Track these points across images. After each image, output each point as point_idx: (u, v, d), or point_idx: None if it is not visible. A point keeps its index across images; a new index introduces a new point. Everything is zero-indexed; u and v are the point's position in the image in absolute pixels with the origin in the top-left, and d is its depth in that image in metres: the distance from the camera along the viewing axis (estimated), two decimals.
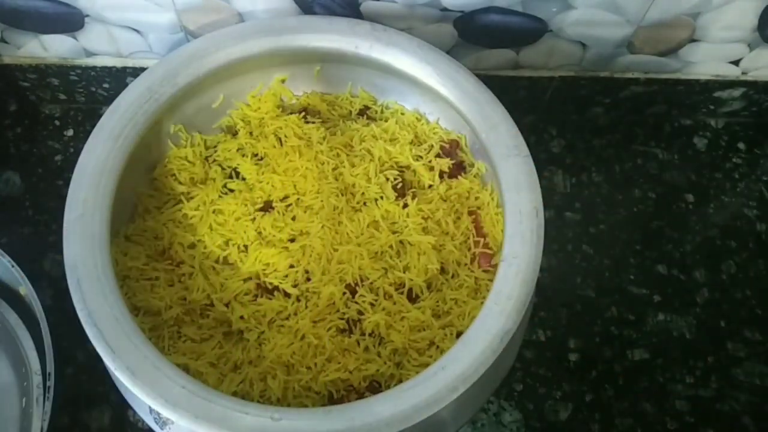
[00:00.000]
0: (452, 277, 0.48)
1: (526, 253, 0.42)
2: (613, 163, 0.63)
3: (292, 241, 0.48)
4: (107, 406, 0.50)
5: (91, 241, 0.41)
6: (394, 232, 0.48)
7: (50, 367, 0.44)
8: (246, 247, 0.48)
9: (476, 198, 0.50)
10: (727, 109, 0.65)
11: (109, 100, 0.47)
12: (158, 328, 0.45)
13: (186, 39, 0.55)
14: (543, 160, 0.62)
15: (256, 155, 0.52)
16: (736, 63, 0.59)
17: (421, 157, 0.52)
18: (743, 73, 0.60)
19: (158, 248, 0.48)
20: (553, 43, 0.56)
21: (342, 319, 0.46)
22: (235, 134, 0.53)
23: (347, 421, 0.37)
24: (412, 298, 0.47)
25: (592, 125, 0.65)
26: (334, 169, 0.50)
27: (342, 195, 0.50)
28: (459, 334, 0.44)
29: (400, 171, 0.52)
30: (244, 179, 0.51)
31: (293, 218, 0.49)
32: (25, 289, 0.47)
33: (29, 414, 0.46)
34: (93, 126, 0.45)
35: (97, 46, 0.56)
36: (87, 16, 0.53)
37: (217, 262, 0.47)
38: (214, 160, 0.52)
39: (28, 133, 0.61)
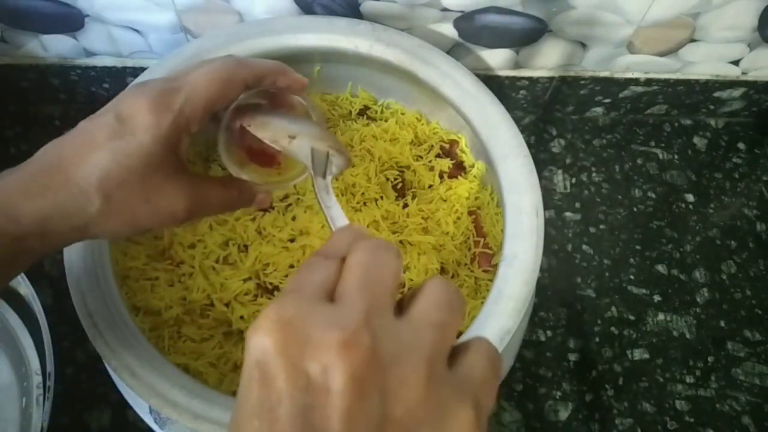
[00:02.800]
0: (452, 277, 0.48)
1: (526, 253, 0.42)
2: (613, 163, 0.63)
3: (292, 240, 0.48)
4: (107, 406, 0.50)
5: (91, 241, 0.41)
6: (394, 232, 0.48)
7: (50, 367, 0.44)
8: (246, 246, 0.48)
9: (476, 198, 0.50)
10: (727, 109, 0.65)
11: (109, 100, 0.47)
12: (158, 328, 0.45)
13: (186, 39, 0.55)
14: (543, 160, 0.62)
15: None
16: (736, 63, 0.59)
17: (421, 157, 0.52)
18: (743, 73, 0.60)
19: (158, 248, 0.48)
20: (553, 43, 0.56)
21: None
22: None
23: None
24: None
25: (592, 125, 0.65)
26: None
27: (342, 195, 0.50)
28: (459, 334, 0.44)
29: (400, 171, 0.52)
30: None
31: (293, 218, 0.49)
32: (25, 289, 0.47)
33: (29, 414, 0.46)
34: None
35: (97, 46, 0.56)
36: (87, 16, 0.53)
37: (217, 261, 0.47)
38: (215, 160, 0.52)
39: (28, 133, 0.61)
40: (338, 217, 0.32)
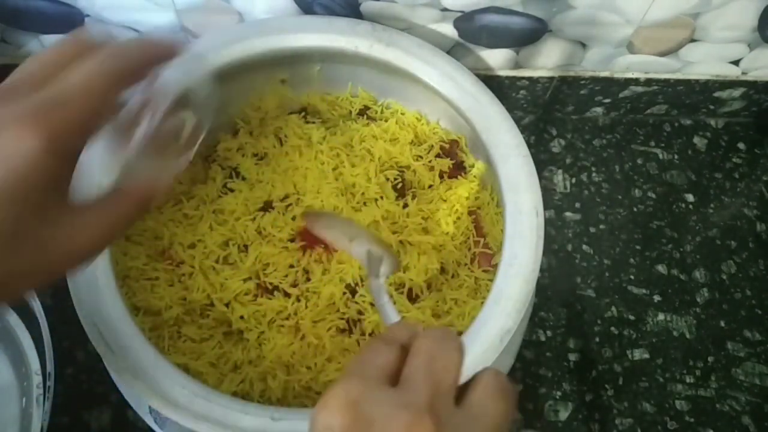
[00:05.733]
0: (452, 277, 0.48)
1: (526, 253, 0.42)
2: (613, 163, 0.63)
3: (292, 240, 0.48)
4: (107, 406, 0.50)
5: None
6: (394, 232, 0.48)
7: (50, 367, 0.44)
8: (246, 246, 0.48)
9: (476, 198, 0.50)
10: (727, 109, 0.65)
11: None
12: (158, 328, 0.45)
13: (186, 39, 0.55)
14: (543, 160, 0.62)
15: (257, 155, 0.52)
16: (736, 63, 0.59)
17: (421, 157, 0.52)
18: (743, 73, 0.60)
19: (158, 248, 0.48)
20: (553, 43, 0.56)
21: (342, 319, 0.46)
22: (235, 133, 0.53)
23: None
24: (412, 298, 0.47)
25: (592, 125, 0.65)
26: (334, 169, 0.50)
27: (342, 195, 0.50)
28: (459, 334, 0.44)
29: (400, 171, 0.52)
30: (244, 179, 0.51)
31: (293, 218, 0.49)
32: None
33: (29, 414, 0.46)
34: None
35: None
36: (87, 16, 0.53)
37: (217, 261, 0.47)
38: (214, 160, 0.52)
39: None
40: (392, 313, 0.33)
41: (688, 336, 0.55)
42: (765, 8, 0.52)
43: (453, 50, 0.56)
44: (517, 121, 0.47)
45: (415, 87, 0.51)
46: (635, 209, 0.61)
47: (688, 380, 0.53)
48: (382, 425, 0.19)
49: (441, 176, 0.52)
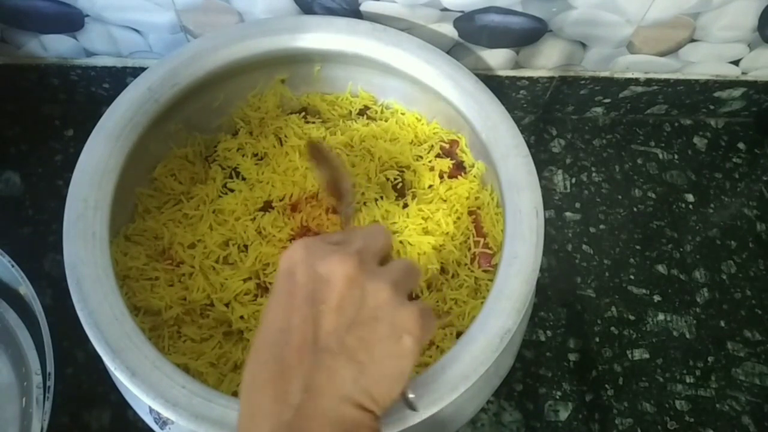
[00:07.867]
0: (452, 277, 0.48)
1: (526, 253, 0.42)
2: (613, 163, 0.63)
3: (292, 240, 0.48)
4: (107, 406, 0.50)
5: (91, 241, 0.41)
6: (394, 233, 0.48)
7: (50, 367, 0.44)
8: (246, 246, 0.48)
9: (476, 198, 0.50)
10: (727, 109, 0.65)
11: (109, 100, 0.47)
12: (158, 328, 0.45)
13: (186, 39, 0.55)
14: (543, 160, 0.62)
15: (256, 155, 0.52)
16: (736, 63, 0.59)
17: (421, 157, 0.52)
18: (743, 73, 0.60)
19: (158, 248, 0.48)
20: (553, 43, 0.56)
21: None
22: (235, 134, 0.53)
23: None
24: (413, 297, 0.47)
25: (592, 125, 0.65)
26: None
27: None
28: (459, 334, 0.44)
29: (400, 171, 0.52)
30: (244, 179, 0.51)
31: (293, 218, 0.49)
32: (25, 289, 0.47)
33: (29, 414, 0.46)
34: (93, 126, 0.45)
35: (97, 46, 0.56)
36: (87, 16, 0.53)
37: (217, 261, 0.47)
38: (214, 160, 0.52)
39: (28, 133, 0.61)
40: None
41: (688, 336, 0.55)
42: (765, 8, 0.52)
43: (453, 50, 0.56)
44: (517, 121, 0.47)
45: (415, 87, 0.51)
46: (635, 209, 0.61)
47: (688, 380, 0.53)
48: (325, 256, 0.30)
49: (441, 176, 0.52)
